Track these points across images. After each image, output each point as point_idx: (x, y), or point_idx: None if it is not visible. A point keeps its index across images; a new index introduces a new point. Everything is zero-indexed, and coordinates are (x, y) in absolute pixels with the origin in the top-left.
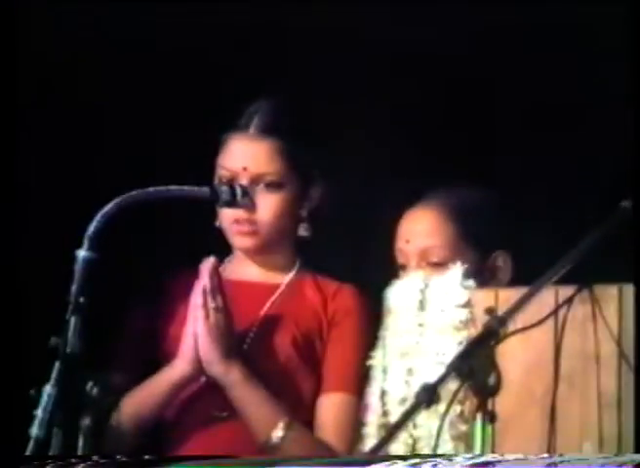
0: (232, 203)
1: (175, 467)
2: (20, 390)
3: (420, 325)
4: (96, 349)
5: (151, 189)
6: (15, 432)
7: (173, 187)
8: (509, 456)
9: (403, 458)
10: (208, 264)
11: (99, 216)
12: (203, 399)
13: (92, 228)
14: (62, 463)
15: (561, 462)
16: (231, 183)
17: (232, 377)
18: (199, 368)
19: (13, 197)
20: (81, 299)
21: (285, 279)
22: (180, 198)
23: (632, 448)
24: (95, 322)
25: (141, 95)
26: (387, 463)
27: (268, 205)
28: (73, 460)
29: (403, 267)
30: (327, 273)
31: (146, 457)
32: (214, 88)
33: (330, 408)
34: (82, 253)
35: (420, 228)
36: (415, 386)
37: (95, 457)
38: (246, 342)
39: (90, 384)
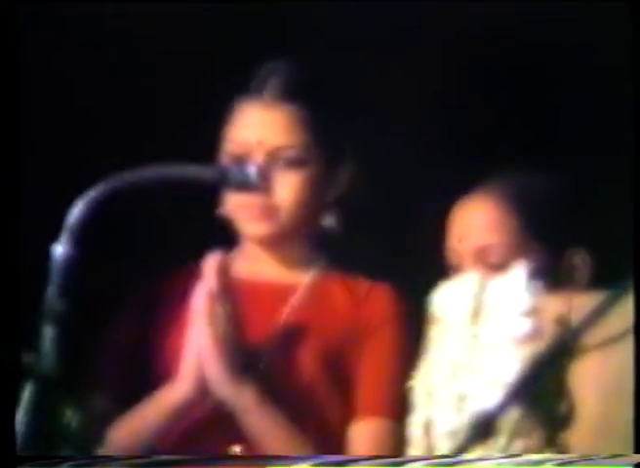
0: (245, 186)
1: None
2: None
3: (475, 337)
4: (76, 367)
5: (144, 170)
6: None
7: (171, 167)
8: None
9: None
10: (214, 261)
11: (80, 204)
12: (209, 428)
13: (71, 218)
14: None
15: None
16: (243, 162)
17: (245, 401)
18: (204, 389)
19: None
20: (58, 305)
21: (306, 278)
22: (179, 181)
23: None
24: (75, 333)
25: (135, 56)
26: None
27: (288, 186)
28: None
29: (456, 268)
30: (357, 272)
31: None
32: (219, 45)
33: (364, 437)
34: (59, 249)
35: (477, 223)
36: (467, 415)
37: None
38: (261, 357)
39: (68, 410)
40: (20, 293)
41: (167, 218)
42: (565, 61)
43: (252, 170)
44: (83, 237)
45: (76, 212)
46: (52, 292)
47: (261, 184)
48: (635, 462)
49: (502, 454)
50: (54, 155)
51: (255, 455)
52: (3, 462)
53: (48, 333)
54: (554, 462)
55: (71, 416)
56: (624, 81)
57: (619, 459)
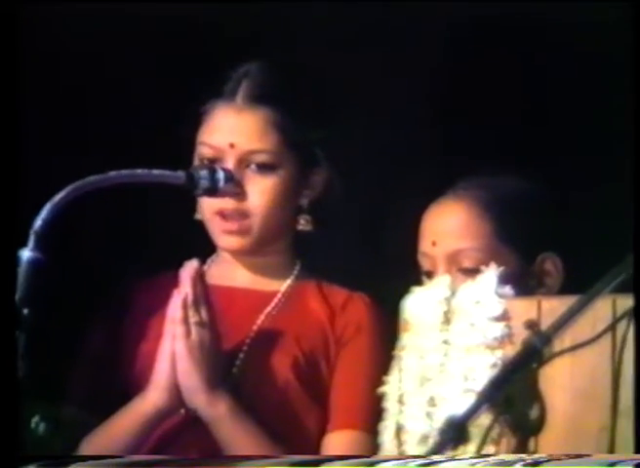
0: (213, 190)
1: None
2: None
3: (445, 342)
4: (44, 374)
5: (112, 173)
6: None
7: (139, 171)
8: None
9: None
10: (190, 269)
11: (47, 207)
12: (182, 437)
13: (38, 222)
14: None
15: None
16: (212, 166)
17: (218, 410)
18: (177, 398)
19: None
20: (25, 311)
21: (282, 285)
22: (148, 184)
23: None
24: (43, 340)
25: (104, 56)
26: None
27: (260, 190)
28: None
29: (429, 274)
30: (333, 278)
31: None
32: (192, 48)
33: (339, 449)
34: (26, 254)
35: (450, 227)
36: (438, 420)
37: None
38: (235, 365)
39: (35, 419)
40: None
41: (140, 224)
42: (551, 67)
43: (219, 174)
44: (51, 242)
45: (43, 216)
46: (19, 299)
47: (229, 189)
48: (635, 462)
49: (474, 455)
50: (23, 162)
51: (232, 455)
52: (3, 462)
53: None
54: (527, 462)
55: (37, 425)
56: (609, 89)
57: (619, 459)
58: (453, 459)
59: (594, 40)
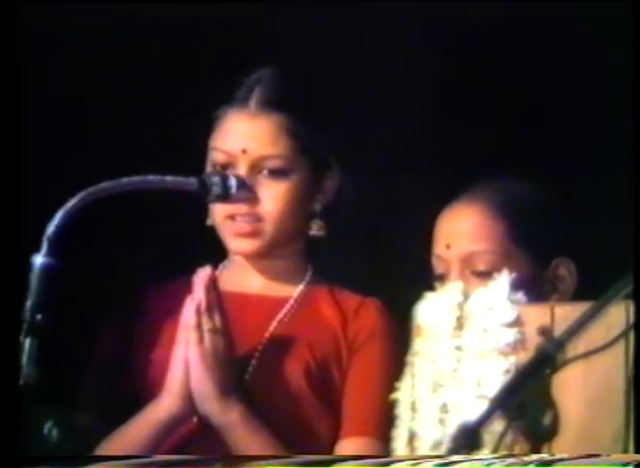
0: (225, 197)
1: None
2: None
3: (458, 348)
4: (56, 380)
5: (124, 180)
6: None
7: (151, 177)
8: None
9: None
10: (203, 276)
11: (60, 214)
12: (194, 444)
13: (51, 228)
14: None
15: None
16: (224, 173)
17: (231, 417)
18: (191, 404)
19: None
20: (38, 317)
21: (295, 291)
22: (160, 191)
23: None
24: (55, 345)
25: (117, 63)
26: None
27: (273, 195)
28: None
29: (442, 278)
30: (345, 283)
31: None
32: (204, 54)
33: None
34: (39, 259)
35: (464, 229)
36: (451, 427)
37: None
38: (247, 371)
39: (48, 424)
40: None
41: (152, 230)
42: (557, 70)
43: (232, 181)
44: (63, 248)
45: (56, 222)
46: (32, 304)
47: (241, 195)
48: (635, 462)
49: (491, 455)
50: (35, 169)
51: (244, 455)
52: (4, 462)
53: (28, 346)
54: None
55: (50, 431)
56: (616, 91)
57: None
58: (468, 460)
59: (594, 39)
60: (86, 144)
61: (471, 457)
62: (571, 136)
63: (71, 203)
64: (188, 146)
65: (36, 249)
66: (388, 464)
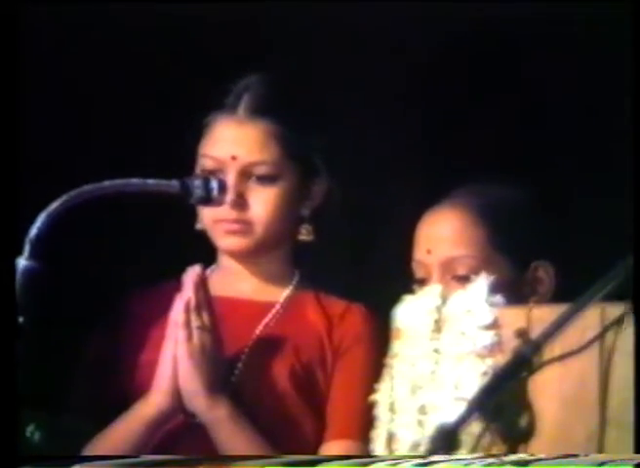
0: (207, 199)
1: None
2: None
3: (436, 351)
4: (41, 383)
5: (107, 183)
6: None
7: (134, 180)
8: None
9: None
10: (193, 274)
11: (42, 216)
12: (182, 441)
13: (34, 231)
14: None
15: None
16: (206, 175)
17: (217, 414)
18: (179, 401)
19: None
20: (20, 319)
21: (281, 296)
22: (143, 194)
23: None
24: (40, 348)
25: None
26: None
27: (262, 201)
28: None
29: (422, 282)
30: (331, 288)
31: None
32: (193, 61)
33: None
34: (22, 262)
35: (444, 234)
36: (429, 428)
37: None
38: (234, 373)
39: (30, 428)
40: None
41: (138, 232)
42: (547, 72)
43: (213, 183)
44: (47, 250)
45: (39, 225)
46: (15, 307)
47: (224, 198)
48: (635, 462)
49: (471, 455)
50: (17, 173)
51: (230, 455)
52: (4, 462)
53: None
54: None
55: (34, 431)
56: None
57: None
58: (448, 460)
59: (594, 39)
60: (86, 144)
61: (451, 457)
62: (562, 138)
63: (53, 206)
64: (178, 153)
65: (19, 252)
66: (371, 463)
